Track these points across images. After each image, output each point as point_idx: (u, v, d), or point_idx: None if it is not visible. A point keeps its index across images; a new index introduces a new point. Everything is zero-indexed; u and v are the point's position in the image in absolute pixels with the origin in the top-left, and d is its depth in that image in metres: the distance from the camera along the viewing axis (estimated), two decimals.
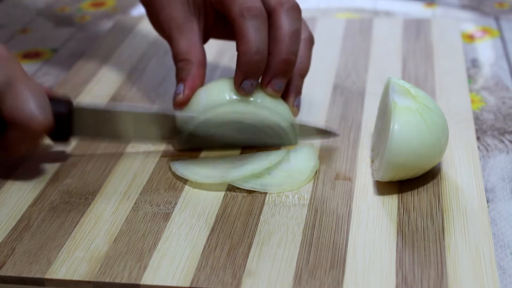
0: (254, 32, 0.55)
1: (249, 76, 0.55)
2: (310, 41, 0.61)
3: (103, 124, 0.57)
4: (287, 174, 0.54)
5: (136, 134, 0.58)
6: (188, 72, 0.58)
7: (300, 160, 0.56)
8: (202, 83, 0.58)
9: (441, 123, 0.51)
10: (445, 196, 0.52)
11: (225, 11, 0.57)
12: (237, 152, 0.58)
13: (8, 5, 0.99)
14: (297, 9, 0.57)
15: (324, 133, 0.59)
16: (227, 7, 0.56)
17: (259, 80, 0.57)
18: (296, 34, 0.56)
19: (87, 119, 0.56)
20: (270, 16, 0.57)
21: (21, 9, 0.98)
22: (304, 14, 0.59)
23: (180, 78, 0.58)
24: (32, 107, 0.51)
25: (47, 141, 0.57)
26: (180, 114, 0.57)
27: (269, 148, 0.58)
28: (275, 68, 0.56)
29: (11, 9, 0.98)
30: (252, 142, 0.58)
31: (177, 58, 0.59)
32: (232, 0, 0.56)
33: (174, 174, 0.55)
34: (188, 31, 0.59)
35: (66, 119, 0.55)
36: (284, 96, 0.59)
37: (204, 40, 0.62)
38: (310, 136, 0.59)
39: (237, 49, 0.56)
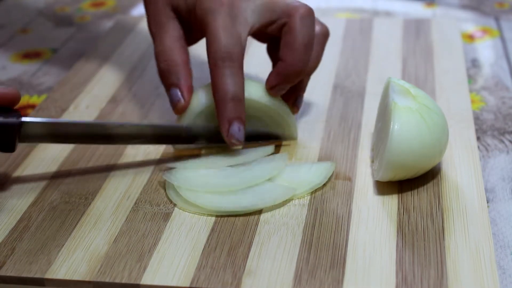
0: (228, 78, 0.53)
1: (233, 121, 0.54)
2: (324, 36, 0.60)
3: (52, 134, 0.55)
4: (286, 184, 0.53)
5: (89, 140, 0.56)
6: (178, 75, 0.56)
7: (310, 175, 0.54)
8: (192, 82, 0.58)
9: (441, 123, 0.51)
10: (445, 196, 0.52)
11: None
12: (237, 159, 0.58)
13: (8, 5, 0.99)
14: (312, 15, 0.56)
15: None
16: (206, 49, 0.55)
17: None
18: (310, 44, 0.55)
19: (36, 130, 0.54)
20: (286, 21, 0.55)
21: (21, 9, 0.98)
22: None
23: (171, 83, 0.56)
24: None
25: None
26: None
27: (271, 142, 0.59)
28: (284, 75, 0.55)
29: (11, 9, 0.98)
30: (252, 134, 0.59)
31: (160, 58, 0.57)
32: (208, 45, 0.54)
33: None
34: (172, 30, 0.57)
35: (14, 130, 0.52)
36: (287, 93, 0.58)
37: (192, 41, 0.60)
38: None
39: (213, 97, 0.54)
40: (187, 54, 0.58)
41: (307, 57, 0.56)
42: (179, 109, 0.56)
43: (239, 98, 0.54)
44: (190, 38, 0.60)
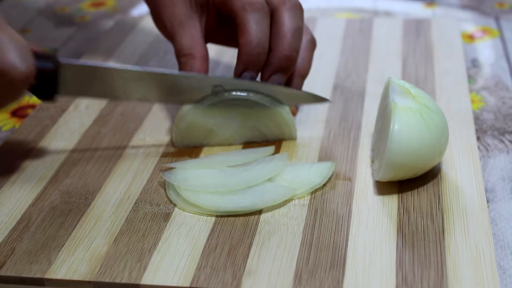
0: (255, 24, 0.55)
1: (249, 68, 0.56)
2: (312, 43, 0.61)
3: (90, 82, 0.55)
4: (287, 184, 0.53)
5: (126, 93, 0.56)
6: (192, 66, 0.58)
7: (310, 174, 0.54)
8: None
9: (441, 123, 0.51)
10: (445, 196, 0.52)
11: (227, 9, 0.57)
12: (238, 160, 0.58)
13: (8, 5, 0.99)
14: (299, 8, 0.58)
15: (316, 99, 0.59)
16: (229, 3, 0.57)
17: (259, 77, 0.57)
18: (297, 31, 0.57)
19: (74, 76, 0.54)
20: (272, 13, 0.57)
21: (21, 9, 0.98)
22: (304, 14, 0.59)
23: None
24: (12, 56, 0.49)
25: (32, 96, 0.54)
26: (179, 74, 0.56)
27: (270, 144, 0.59)
28: (276, 64, 0.56)
29: (11, 9, 0.98)
30: (252, 136, 0.59)
31: (180, 54, 0.58)
32: None
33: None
34: (190, 27, 0.59)
35: (51, 75, 0.53)
36: None
37: (205, 40, 0.62)
38: (302, 101, 0.59)
39: (238, 42, 0.56)
40: (206, 50, 0.59)
41: (296, 43, 0.57)
42: None
43: (263, 46, 0.55)
44: (211, 21, 0.61)
